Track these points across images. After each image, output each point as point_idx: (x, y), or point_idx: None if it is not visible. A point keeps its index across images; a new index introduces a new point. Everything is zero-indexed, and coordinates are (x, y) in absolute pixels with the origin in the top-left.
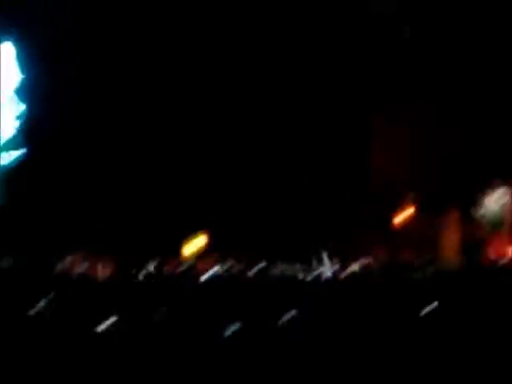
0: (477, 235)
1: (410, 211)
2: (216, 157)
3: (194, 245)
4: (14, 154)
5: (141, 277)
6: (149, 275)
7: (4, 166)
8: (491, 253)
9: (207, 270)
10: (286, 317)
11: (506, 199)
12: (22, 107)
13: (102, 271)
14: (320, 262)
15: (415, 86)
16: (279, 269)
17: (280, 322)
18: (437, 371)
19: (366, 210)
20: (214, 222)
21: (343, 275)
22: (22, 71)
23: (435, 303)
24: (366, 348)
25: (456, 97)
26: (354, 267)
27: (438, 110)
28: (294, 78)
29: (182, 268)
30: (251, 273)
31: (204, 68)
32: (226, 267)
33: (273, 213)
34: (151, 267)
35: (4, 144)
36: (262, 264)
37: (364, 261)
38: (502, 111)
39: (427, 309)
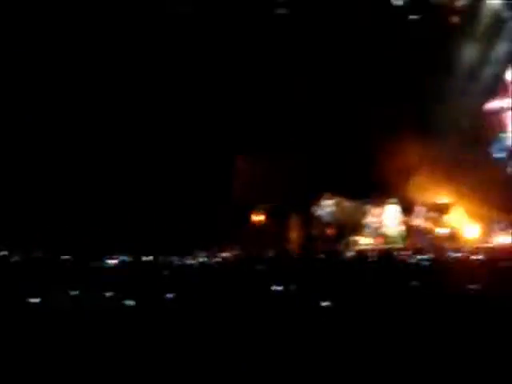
0: (312, 234)
1: (262, 217)
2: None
3: None
4: None
5: None
6: None
7: None
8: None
9: None
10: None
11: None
12: None
13: None
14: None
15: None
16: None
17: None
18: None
19: (228, 217)
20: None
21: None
22: None
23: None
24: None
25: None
26: (218, 258)
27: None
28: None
29: None
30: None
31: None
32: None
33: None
34: None
35: None
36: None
37: (226, 253)
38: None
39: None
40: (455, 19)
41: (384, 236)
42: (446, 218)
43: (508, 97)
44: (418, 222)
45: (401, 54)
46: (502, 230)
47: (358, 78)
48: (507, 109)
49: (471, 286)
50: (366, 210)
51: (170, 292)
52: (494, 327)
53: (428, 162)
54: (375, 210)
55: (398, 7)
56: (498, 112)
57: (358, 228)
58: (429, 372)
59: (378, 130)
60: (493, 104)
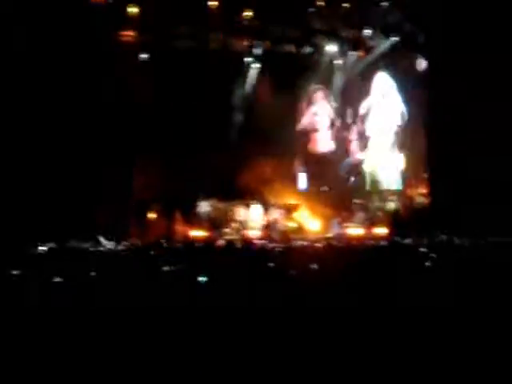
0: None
1: (155, 212)
2: None
3: None
4: None
5: None
6: None
7: None
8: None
9: None
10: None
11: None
12: None
13: None
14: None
15: None
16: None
17: None
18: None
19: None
20: None
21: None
22: None
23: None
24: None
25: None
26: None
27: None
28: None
29: None
30: None
31: None
32: None
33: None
34: None
35: None
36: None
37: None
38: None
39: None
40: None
41: (246, 229)
42: (294, 215)
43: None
44: (273, 217)
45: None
46: (338, 223)
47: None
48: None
49: (312, 265)
50: (233, 208)
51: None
52: (333, 297)
53: (279, 172)
54: (241, 209)
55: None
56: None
57: (227, 223)
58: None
59: (239, 151)
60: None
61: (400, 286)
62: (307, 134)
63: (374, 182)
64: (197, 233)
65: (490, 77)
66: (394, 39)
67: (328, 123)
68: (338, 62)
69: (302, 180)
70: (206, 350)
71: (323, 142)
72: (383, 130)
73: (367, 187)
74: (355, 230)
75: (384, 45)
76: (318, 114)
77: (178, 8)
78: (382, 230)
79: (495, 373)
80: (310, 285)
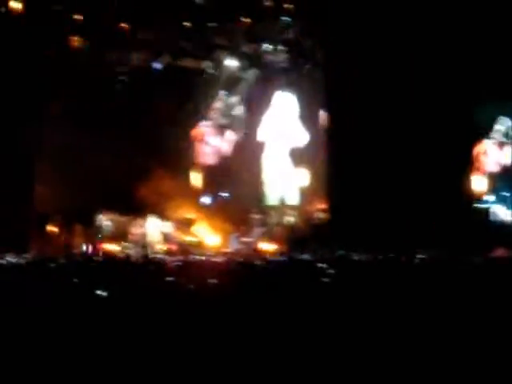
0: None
1: (55, 224)
2: None
3: None
4: None
5: None
6: None
7: None
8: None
9: None
10: None
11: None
12: None
13: None
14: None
15: None
16: None
17: None
18: None
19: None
20: None
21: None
22: None
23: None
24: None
25: None
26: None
27: None
28: None
29: None
30: None
31: None
32: None
33: None
34: None
35: None
36: None
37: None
38: None
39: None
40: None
41: (145, 242)
42: (192, 229)
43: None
44: (172, 232)
45: None
46: (237, 238)
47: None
48: None
49: (211, 280)
50: (132, 222)
51: None
52: (231, 311)
53: (178, 186)
54: (139, 223)
55: None
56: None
57: (126, 237)
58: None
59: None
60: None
61: (298, 300)
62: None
63: (274, 198)
64: (97, 246)
65: (390, 93)
66: (293, 54)
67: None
68: (238, 75)
69: (204, 195)
70: (100, 366)
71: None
72: (282, 147)
73: (267, 202)
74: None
75: (283, 60)
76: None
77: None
78: (279, 246)
79: None
80: (209, 299)
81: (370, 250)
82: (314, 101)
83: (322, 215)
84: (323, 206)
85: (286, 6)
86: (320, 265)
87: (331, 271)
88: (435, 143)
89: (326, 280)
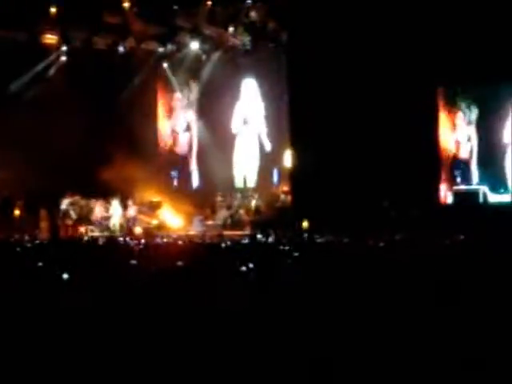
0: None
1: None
2: None
3: None
4: None
5: None
6: None
7: None
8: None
9: None
10: None
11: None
12: None
13: None
14: None
15: None
16: None
17: None
18: None
19: None
20: None
21: None
22: None
23: None
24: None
25: None
26: None
27: None
28: None
29: None
30: None
31: None
32: None
33: None
34: None
35: None
36: None
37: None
38: None
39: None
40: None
41: (109, 226)
42: (157, 212)
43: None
44: (135, 215)
45: None
46: (201, 221)
47: None
48: None
49: (179, 263)
50: (96, 205)
51: None
52: (195, 293)
53: (143, 170)
54: (103, 206)
55: None
56: None
57: (91, 220)
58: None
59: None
60: None
61: (262, 281)
62: (170, 135)
63: (240, 180)
64: (61, 229)
65: (352, 74)
66: (258, 37)
67: (184, 126)
68: (201, 59)
69: (172, 178)
70: (64, 352)
71: (181, 144)
72: (249, 132)
73: (233, 185)
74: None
75: (247, 42)
76: (178, 118)
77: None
78: (244, 228)
79: None
80: (172, 281)
81: (335, 232)
82: (277, 83)
83: (285, 197)
84: (287, 188)
85: None
86: (284, 247)
87: (295, 254)
88: (398, 126)
89: (289, 262)
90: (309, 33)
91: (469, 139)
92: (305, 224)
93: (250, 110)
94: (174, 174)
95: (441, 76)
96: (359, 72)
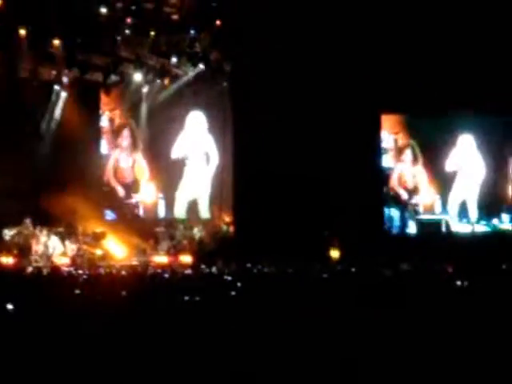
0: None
1: None
2: None
3: None
4: None
5: None
6: None
7: None
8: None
9: None
10: None
11: None
12: None
13: None
14: None
15: None
16: None
17: None
18: None
19: None
20: None
21: None
22: None
23: None
24: None
25: None
26: None
27: None
28: None
29: None
30: None
31: None
32: None
33: None
34: None
35: None
36: None
37: None
38: None
39: None
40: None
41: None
42: (101, 242)
43: None
44: (80, 245)
45: None
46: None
47: None
48: None
49: (123, 293)
50: (40, 235)
51: None
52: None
53: (87, 200)
54: (46, 236)
55: None
56: None
57: (34, 250)
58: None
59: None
60: None
61: (204, 313)
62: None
63: (182, 211)
64: (4, 259)
65: (295, 108)
66: (201, 67)
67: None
68: (144, 90)
69: (108, 210)
70: None
71: (126, 176)
72: (197, 162)
73: (177, 215)
74: (160, 258)
75: (190, 73)
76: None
77: None
78: (187, 259)
79: None
80: (116, 310)
81: (277, 262)
82: (222, 114)
83: (228, 228)
84: (229, 219)
85: (192, 19)
86: (227, 277)
87: (239, 284)
88: (342, 153)
89: (233, 293)
90: (252, 63)
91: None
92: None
93: (197, 141)
94: (109, 213)
95: (385, 104)
96: (303, 101)
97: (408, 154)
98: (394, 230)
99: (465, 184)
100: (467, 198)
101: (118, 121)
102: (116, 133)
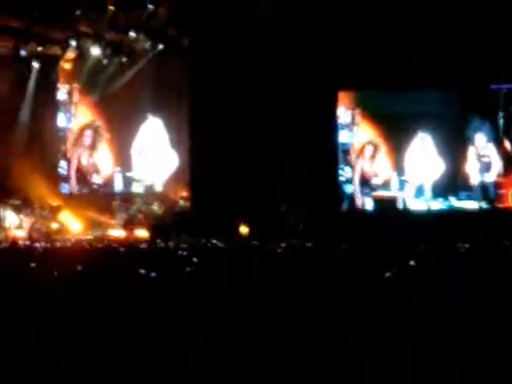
0: None
1: None
2: None
3: None
4: None
5: None
6: None
7: None
8: None
9: None
10: None
11: None
12: None
13: None
14: None
15: None
16: None
17: None
18: None
19: None
20: None
21: None
22: None
23: None
24: None
25: None
26: None
27: None
28: None
29: None
30: None
31: None
32: None
33: None
34: None
35: None
36: None
37: None
38: None
39: None
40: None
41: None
42: (57, 216)
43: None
44: (35, 218)
45: None
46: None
47: None
48: None
49: (79, 267)
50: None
51: None
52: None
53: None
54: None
55: None
56: None
57: None
58: None
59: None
60: None
61: (160, 289)
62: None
63: (139, 185)
64: None
65: (253, 83)
66: (159, 43)
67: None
68: (103, 65)
69: (63, 183)
70: None
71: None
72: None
73: (133, 189)
74: (117, 232)
75: (148, 48)
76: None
77: None
78: (143, 233)
79: None
80: (72, 285)
81: (232, 238)
82: (178, 89)
83: (184, 203)
84: (185, 194)
85: None
86: (182, 253)
87: (194, 259)
88: (298, 128)
89: (188, 269)
90: (210, 39)
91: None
92: (243, 229)
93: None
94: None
95: (343, 80)
96: (260, 78)
97: (369, 151)
98: (349, 207)
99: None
100: (424, 177)
101: (76, 95)
102: (80, 131)
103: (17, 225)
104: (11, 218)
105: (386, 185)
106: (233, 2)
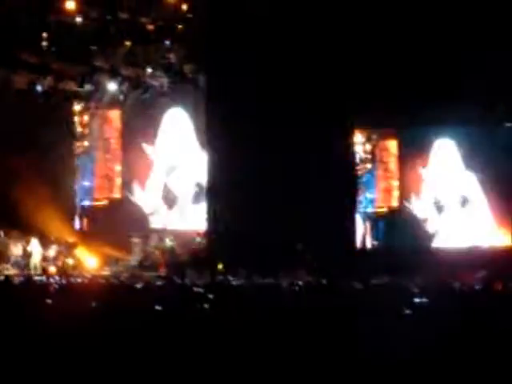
0: None
1: None
2: None
3: None
4: None
5: None
6: None
7: None
8: None
9: None
10: None
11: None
12: None
13: None
14: None
15: None
16: None
17: None
18: None
19: None
20: None
21: None
22: None
23: None
24: None
25: None
26: None
27: None
28: None
29: None
30: None
31: None
32: None
33: None
34: None
35: None
36: None
37: None
38: None
39: None
40: None
41: (27, 264)
42: (74, 252)
43: None
44: (54, 254)
45: None
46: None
47: None
48: None
49: (96, 304)
50: (13, 243)
51: None
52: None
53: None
54: (21, 244)
55: None
56: None
57: (7, 258)
58: None
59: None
60: None
61: (176, 326)
62: None
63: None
64: None
65: (268, 119)
66: (175, 77)
67: None
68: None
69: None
70: None
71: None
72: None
73: (149, 226)
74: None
75: (165, 84)
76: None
77: None
78: (160, 269)
79: None
80: (88, 321)
81: (249, 275)
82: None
83: (200, 240)
84: (201, 230)
85: (167, 30)
86: (199, 290)
87: (210, 296)
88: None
89: (205, 306)
90: (226, 75)
91: None
92: (220, 267)
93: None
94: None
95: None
96: (275, 111)
97: None
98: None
99: None
100: None
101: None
102: None
103: (33, 260)
104: (35, 253)
105: None
106: (248, 39)
